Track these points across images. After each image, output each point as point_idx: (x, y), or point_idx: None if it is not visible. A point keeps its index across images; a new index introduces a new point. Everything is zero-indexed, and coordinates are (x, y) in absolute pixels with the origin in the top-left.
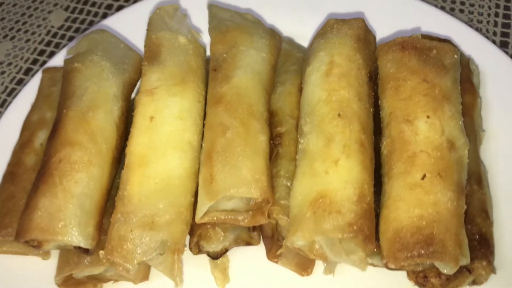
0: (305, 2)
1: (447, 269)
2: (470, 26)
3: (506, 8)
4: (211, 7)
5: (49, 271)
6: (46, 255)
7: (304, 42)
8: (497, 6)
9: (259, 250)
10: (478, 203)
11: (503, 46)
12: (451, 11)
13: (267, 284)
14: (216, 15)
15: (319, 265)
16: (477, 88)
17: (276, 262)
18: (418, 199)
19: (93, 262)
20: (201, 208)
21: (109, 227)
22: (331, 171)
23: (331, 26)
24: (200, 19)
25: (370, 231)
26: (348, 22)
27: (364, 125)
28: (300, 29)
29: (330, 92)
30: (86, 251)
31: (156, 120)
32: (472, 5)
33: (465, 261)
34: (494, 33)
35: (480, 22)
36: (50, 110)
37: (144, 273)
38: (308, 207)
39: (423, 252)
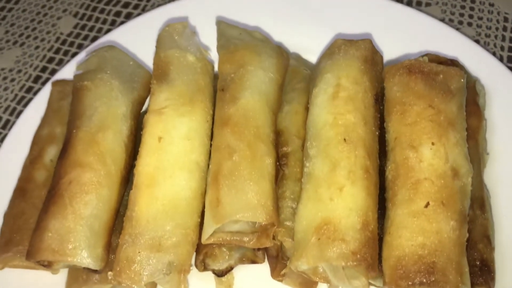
0: (313, 16)
1: None
2: (478, 41)
3: None
4: (219, 24)
5: (59, 283)
6: (55, 269)
7: (312, 56)
8: (505, 20)
9: (263, 268)
10: (481, 228)
11: (510, 61)
12: (459, 24)
13: None
14: (225, 32)
15: (322, 285)
16: (483, 110)
17: (280, 281)
18: (421, 228)
19: (101, 280)
20: (207, 230)
21: (117, 248)
22: (336, 198)
23: (339, 47)
24: (208, 34)
25: (373, 259)
26: (356, 43)
27: (369, 150)
28: (308, 43)
29: (336, 116)
30: (95, 270)
31: (164, 140)
32: (480, 18)
33: None
34: (502, 48)
35: (488, 36)
36: (60, 125)
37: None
38: (312, 233)
39: (424, 280)
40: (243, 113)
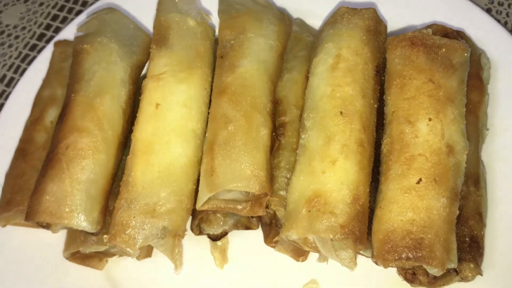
0: None
1: (434, 272)
2: (490, 9)
3: None
4: None
5: (59, 242)
6: (54, 230)
7: (316, 21)
8: None
9: (257, 234)
10: (473, 204)
11: None
12: None
13: (264, 267)
14: None
15: (312, 257)
16: (486, 84)
17: (273, 247)
18: (411, 203)
19: (98, 241)
20: (202, 198)
21: (113, 212)
22: (328, 171)
23: (342, 15)
24: None
25: (361, 233)
26: (359, 12)
27: (365, 123)
28: (312, 6)
29: (334, 88)
30: (92, 233)
31: (161, 107)
32: None
33: (452, 265)
34: None
35: (501, 4)
36: (60, 87)
37: (147, 250)
38: (303, 205)
39: (411, 256)
40: (241, 82)
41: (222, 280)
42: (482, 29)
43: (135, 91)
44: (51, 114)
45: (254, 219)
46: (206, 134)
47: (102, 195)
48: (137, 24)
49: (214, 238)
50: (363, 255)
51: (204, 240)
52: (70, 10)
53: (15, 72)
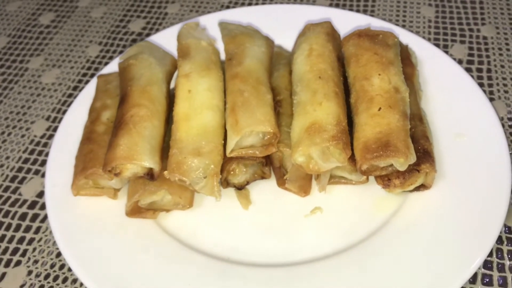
0: (290, 25)
1: (401, 166)
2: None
3: (436, 27)
4: (221, 24)
5: (118, 207)
6: (115, 195)
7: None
8: (429, 21)
9: (270, 182)
10: (421, 132)
11: None
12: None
13: (278, 203)
14: (226, 27)
15: (314, 191)
16: (415, 65)
17: (283, 187)
18: (377, 122)
19: (154, 189)
20: (230, 143)
21: (168, 159)
22: (317, 109)
23: (308, 28)
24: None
25: (347, 140)
26: (320, 24)
27: (337, 84)
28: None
29: (311, 66)
30: (151, 177)
31: (192, 92)
32: (411, 21)
33: (412, 158)
34: (429, 40)
35: (418, 33)
36: (110, 99)
37: (190, 200)
38: (304, 132)
39: (382, 152)
40: (247, 70)
41: (248, 217)
42: (407, 40)
43: (169, 90)
44: (106, 115)
45: (267, 168)
46: (227, 106)
47: (158, 148)
48: (165, 50)
49: (239, 187)
50: (351, 181)
51: (231, 192)
52: (96, 69)
53: (58, 112)
